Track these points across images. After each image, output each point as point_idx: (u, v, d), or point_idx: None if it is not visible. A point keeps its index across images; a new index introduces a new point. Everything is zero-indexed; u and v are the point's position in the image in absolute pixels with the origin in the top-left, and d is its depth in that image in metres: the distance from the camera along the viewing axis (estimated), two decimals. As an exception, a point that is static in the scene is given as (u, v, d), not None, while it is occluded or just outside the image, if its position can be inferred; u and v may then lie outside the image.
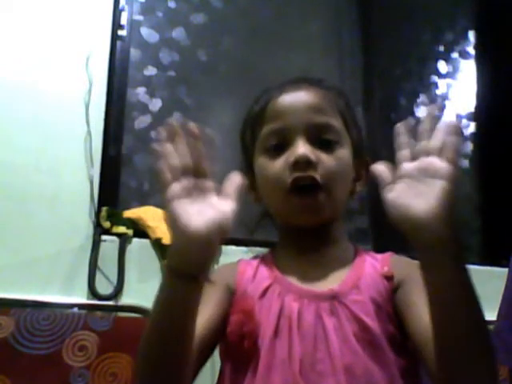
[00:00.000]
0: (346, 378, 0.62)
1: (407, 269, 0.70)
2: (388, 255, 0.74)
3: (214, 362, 0.72)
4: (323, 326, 0.65)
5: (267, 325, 0.67)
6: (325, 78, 0.80)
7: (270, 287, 0.70)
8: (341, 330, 0.64)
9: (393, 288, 0.69)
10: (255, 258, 0.79)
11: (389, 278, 0.70)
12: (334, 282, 0.69)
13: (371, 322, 0.65)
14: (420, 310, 0.63)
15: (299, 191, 0.70)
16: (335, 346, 0.63)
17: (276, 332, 0.66)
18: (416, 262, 0.69)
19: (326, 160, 0.71)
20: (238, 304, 0.70)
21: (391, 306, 0.68)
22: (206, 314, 0.67)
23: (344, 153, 0.73)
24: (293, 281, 0.71)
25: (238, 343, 0.67)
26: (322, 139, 0.72)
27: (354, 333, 0.64)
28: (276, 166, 0.72)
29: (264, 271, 0.74)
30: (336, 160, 0.72)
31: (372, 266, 0.72)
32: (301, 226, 0.74)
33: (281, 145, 0.72)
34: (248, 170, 0.79)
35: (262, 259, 0.77)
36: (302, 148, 0.70)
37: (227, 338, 0.68)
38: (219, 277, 0.74)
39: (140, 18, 1.72)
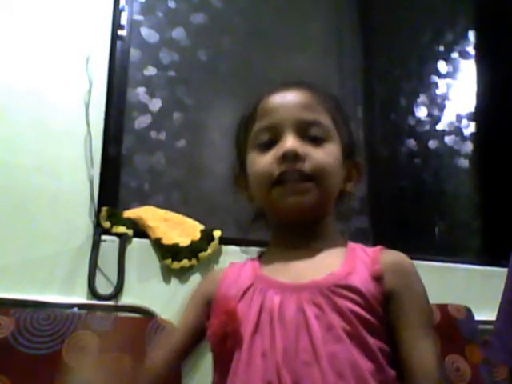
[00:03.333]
0: (330, 365, 0.62)
1: (401, 277, 0.71)
2: (378, 251, 0.74)
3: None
4: (305, 316, 0.66)
5: (248, 322, 0.68)
6: (316, 83, 0.81)
7: (251, 287, 0.72)
8: (323, 320, 0.65)
9: (382, 291, 0.69)
10: (247, 260, 0.81)
11: (378, 278, 0.69)
12: (318, 273, 0.70)
13: (356, 312, 0.66)
14: (412, 341, 0.67)
15: (286, 182, 0.71)
16: (317, 335, 0.64)
17: (256, 327, 0.67)
18: (409, 270, 0.72)
19: (313, 153, 0.73)
20: (220, 306, 0.71)
21: (378, 305, 0.68)
22: (185, 321, 0.76)
23: (332, 148, 0.75)
24: (275, 277, 0.72)
25: (220, 344, 0.68)
26: (310, 135, 0.74)
27: (337, 321, 0.65)
28: (265, 160, 0.73)
29: (247, 272, 0.75)
30: (324, 153, 0.73)
31: (363, 262, 0.72)
32: (289, 217, 0.74)
33: (271, 141, 0.74)
34: (241, 171, 0.81)
35: (250, 260, 0.79)
36: (290, 142, 0.72)
37: (209, 341, 0.71)
38: (200, 290, 0.80)
39: (140, 17, 1.72)
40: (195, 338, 0.76)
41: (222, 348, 0.68)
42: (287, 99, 0.76)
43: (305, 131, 0.74)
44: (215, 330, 0.69)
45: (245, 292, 0.71)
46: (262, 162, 0.74)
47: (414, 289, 0.71)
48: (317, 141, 0.74)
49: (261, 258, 0.79)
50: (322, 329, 0.64)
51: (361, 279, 0.69)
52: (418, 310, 0.70)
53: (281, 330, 0.65)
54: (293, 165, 0.71)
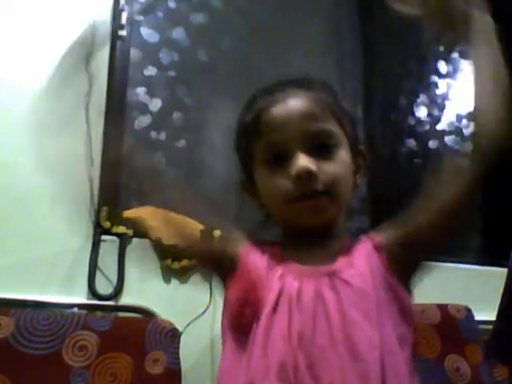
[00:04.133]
0: (347, 349, 0.63)
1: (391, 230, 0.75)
2: (372, 233, 0.77)
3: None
4: (323, 301, 0.67)
5: (267, 302, 0.68)
6: (309, 76, 0.80)
7: (275, 267, 0.73)
8: (341, 304, 0.66)
9: (385, 248, 0.72)
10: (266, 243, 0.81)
11: (379, 247, 0.73)
12: (332, 262, 0.72)
13: (370, 291, 0.68)
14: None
15: (304, 201, 0.71)
16: (335, 319, 0.65)
17: (275, 309, 0.68)
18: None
19: (326, 167, 0.72)
20: (245, 272, 0.73)
21: (388, 270, 0.71)
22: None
23: (343, 154, 0.75)
24: (294, 263, 0.73)
25: (239, 312, 0.70)
26: (319, 145, 0.73)
27: (354, 305, 0.66)
28: (279, 181, 0.73)
29: (268, 255, 0.75)
30: (336, 163, 0.73)
31: (362, 244, 0.75)
32: (306, 227, 0.75)
33: (280, 157, 0.73)
34: (248, 179, 0.80)
35: (270, 245, 0.79)
36: (302, 161, 0.71)
37: (229, 308, 0.72)
38: (232, 236, 0.79)
39: (140, 18, 1.72)
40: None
41: (239, 317, 0.70)
42: (290, 111, 0.73)
43: (314, 143, 0.73)
44: (238, 296, 0.71)
45: (270, 267, 0.72)
46: (276, 183, 0.73)
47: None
48: (327, 150, 0.73)
49: (279, 245, 0.79)
50: (340, 314, 0.65)
51: (364, 256, 0.72)
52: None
53: (298, 314, 0.66)
54: (308, 183, 0.70)
